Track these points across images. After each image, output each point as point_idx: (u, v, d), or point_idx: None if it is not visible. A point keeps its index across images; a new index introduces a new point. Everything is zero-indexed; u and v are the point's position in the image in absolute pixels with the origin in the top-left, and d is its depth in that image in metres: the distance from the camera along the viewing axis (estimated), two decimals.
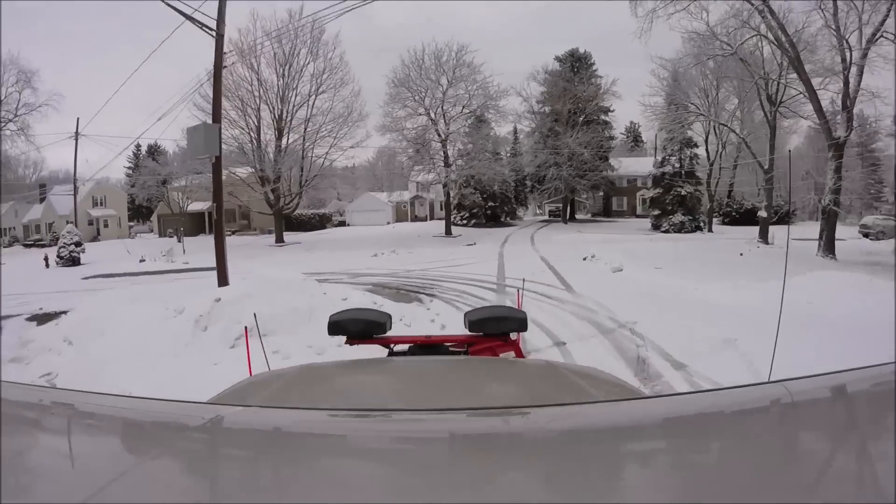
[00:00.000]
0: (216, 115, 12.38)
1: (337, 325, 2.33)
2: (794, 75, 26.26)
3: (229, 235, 45.66)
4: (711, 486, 0.71)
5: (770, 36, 25.36)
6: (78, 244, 31.75)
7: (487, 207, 50.32)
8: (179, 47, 15.65)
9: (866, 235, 33.38)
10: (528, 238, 37.79)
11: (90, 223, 54.24)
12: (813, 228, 36.21)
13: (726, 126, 38.86)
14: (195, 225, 50.49)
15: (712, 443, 0.93)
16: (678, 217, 42.30)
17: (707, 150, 43.94)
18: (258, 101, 39.48)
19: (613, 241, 30.20)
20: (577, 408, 1.22)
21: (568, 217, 53.56)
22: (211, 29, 12.56)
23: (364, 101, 41.82)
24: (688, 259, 21.10)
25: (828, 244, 23.35)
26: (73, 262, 31.05)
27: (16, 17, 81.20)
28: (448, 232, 42.90)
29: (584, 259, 21.97)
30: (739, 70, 31.49)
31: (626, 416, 1.10)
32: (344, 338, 2.41)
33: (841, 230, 25.59)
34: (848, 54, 23.03)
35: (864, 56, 22.18)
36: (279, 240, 40.71)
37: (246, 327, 4.08)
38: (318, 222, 56.04)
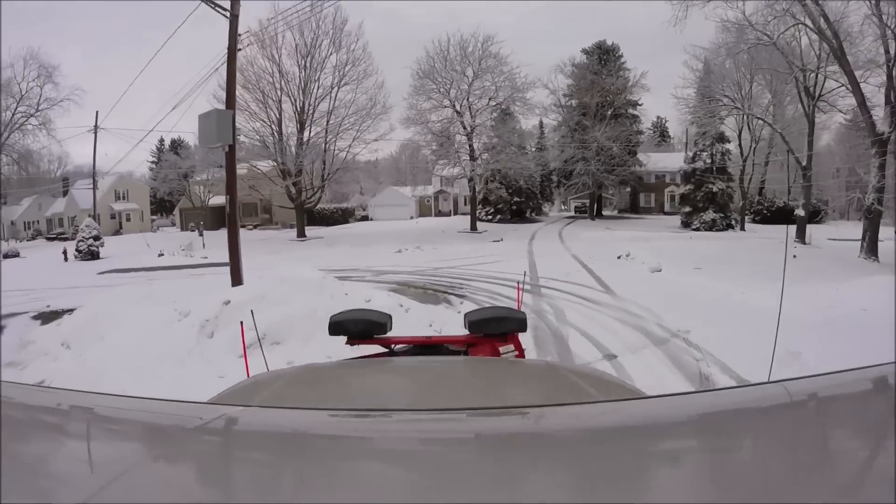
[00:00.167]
0: (230, 101, 11.46)
1: (338, 326, 2.33)
2: (834, 67, 25.26)
3: (250, 230, 46.29)
4: (711, 485, 0.72)
5: (811, 25, 23.95)
6: (97, 238, 31.42)
7: (513, 203, 49.22)
8: (199, 38, 14.90)
9: None
10: (555, 235, 36.90)
11: (112, 217, 54.47)
12: (846, 228, 35.13)
13: (763, 120, 37.25)
14: (217, 219, 49.87)
15: (712, 443, 0.92)
16: (709, 215, 40.99)
17: (740, 145, 42.39)
18: (279, 94, 38.74)
19: (645, 240, 29.17)
20: (577, 408, 1.21)
21: (594, 213, 52.42)
22: (224, 9, 11.73)
23: (388, 93, 40.75)
24: (726, 259, 19.92)
25: (871, 245, 22.08)
26: (92, 255, 30.78)
27: (38, 13, 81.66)
28: (473, 227, 42.02)
29: (619, 258, 20.96)
30: (776, 61, 29.93)
31: (626, 416, 1.09)
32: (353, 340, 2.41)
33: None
34: (892, 45, 21.62)
35: None
36: (301, 234, 40.03)
37: (242, 323, 3.40)
38: (341, 217, 55.47)
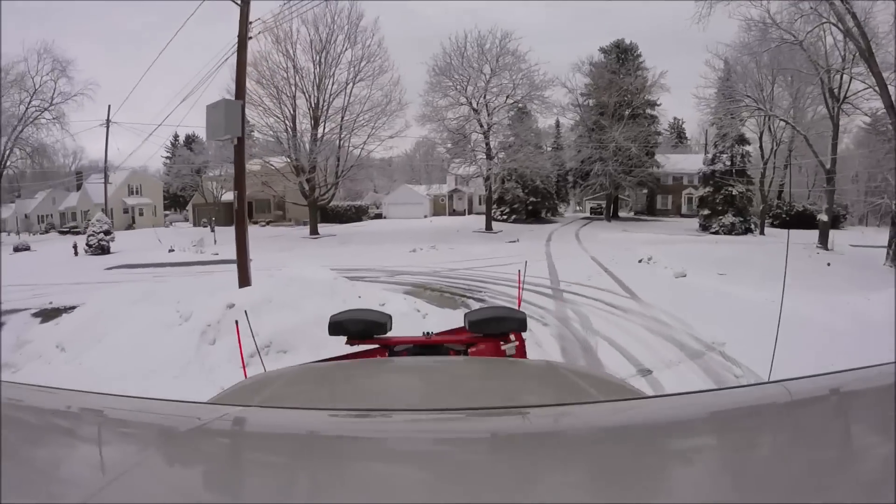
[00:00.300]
0: (239, 91, 10.85)
1: (337, 326, 2.31)
2: (859, 69, 24.57)
3: (263, 226, 45.93)
4: (711, 486, 0.72)
5: (838, 24, 23.11)
6: (107, 232, 31.26)
7: (529, 203, 48.56)
8: (212, 31, 14.49)
9: None
10: (572, 236, 36.31)
11: (125, 211, 54.39)
12: (866, 234, 34.31)
13: (786, 122, 36.27)
14: (229, 215, 49.37)
15: (712, 443, 0.93)
16: (728, 218, 40.24)
17: (761, 147, 41.41)
18: (294, 89, 38.24)
19: (663, 243, 28.43)
20: (577, 408, 1.22)
21: (610, 215, 51.75)
22: None
23: (403, 89, 40.06)
24: (750, 264, 19.09)
25: None
26: (102, 250, 30.62)
27: (53, 7, 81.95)
28: (489, 227, 41.42)
29: (640, 262, 20.42)
30: (797, 62, 29.06)
31: (627, 416, 1.10)
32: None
33: None
34: None
35: None
36: (313, 232, 39.52)
37: (237, 322, 3.19)
38: (354, 214, 54.99)
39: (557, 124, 54.26)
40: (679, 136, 71.62)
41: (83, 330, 8.95)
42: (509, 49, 41.45)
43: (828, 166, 31.31)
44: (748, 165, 41.76)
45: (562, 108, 48.36)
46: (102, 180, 43.89)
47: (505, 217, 47.53)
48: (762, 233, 40.28)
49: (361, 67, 38.84)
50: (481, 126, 42.09)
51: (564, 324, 10.54)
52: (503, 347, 2.42)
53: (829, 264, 19.52)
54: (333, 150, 39.59)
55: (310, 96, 38.78)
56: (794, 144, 39.53)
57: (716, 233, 39.28)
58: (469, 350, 2.35)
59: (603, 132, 47.51)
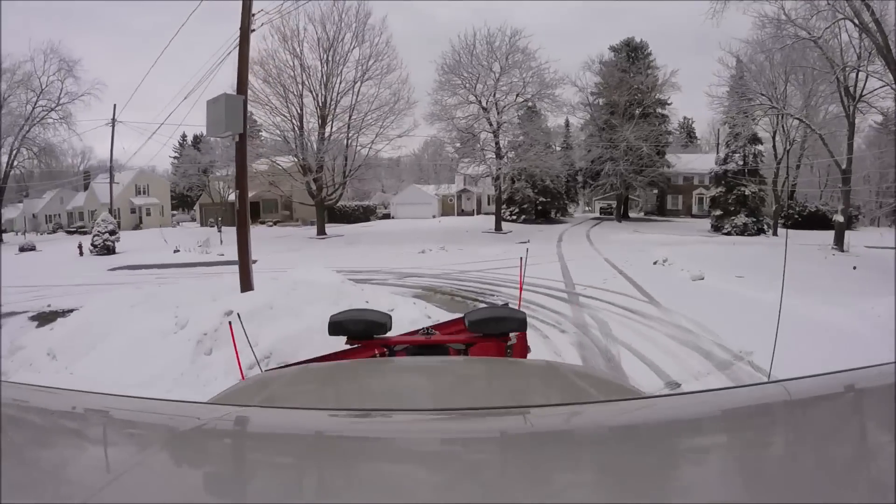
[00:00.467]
0: (241, 86, 10.36)
1: (337, 326, 2.29)
2: (874, 66, 24.18)
3: (270, 226, 45.62)
4: (711, 486, 0.72)
5: (855, 20, 22.56)
6: (112, 232, 31.05)
7: (538, 203, 48.07)
8: (218, 29, 14.07)
9: None
10: (583, 237, 35.88)
11: (133, 211, 54.36)
12: (875, 234, 33.69)
13: (802, 121, 35.57)
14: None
15: (712, 443, 0.93)
16: (741, 218, 39.77)
17: (774, 146, 40.75)
18: (301, 88, 37.83)
19: (677, 244, 27.94)
20: (577, 408, 1.22)
21: (621, 215, 51.28)
22: None
23: (412, 88, 39.54)
24: (766, 267, 18.48)
25: None
26: (108, 250, 30.42)
27: (64, 7, 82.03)
28: (498, 228, 40.99)
29: (655, 263, 19.98)
30: (810, 59, 28.49)
31: (626, 416, 1.11)
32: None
33: None
34: None
35: None
36: (321, 232, 39.16)
37: (230, 323, 2.93)
38: (362, 214, 54.82)
39: (567, 123, 54.02)
40: (689, 136, 71.12)
41: (76, 336, 8.57)
42: (519, 47, 41.00)
43: (843, 166, 30.68)
44: (761, 165, 41.17)
45: (572, 107, 48.00)
46: (106, 180, 43.74)
47: (514, 217, 47.11)
48: (775, 233, 39.69)
49: (369, 66, 38.41)
50: (490, 125, 41.57)
51: (584, 331, 10.01)
52: (506, 344, 2.42)
53: (854, 268, 18.87)
54: (341, 149, 39.14)
55: (317, 95, 38.37)
56: (808, 144, 39.01)
57: (728, 233, 38.86)
58: (469, 350, 2.31)
59: (613, 131, 47.10)
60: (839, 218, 29.75)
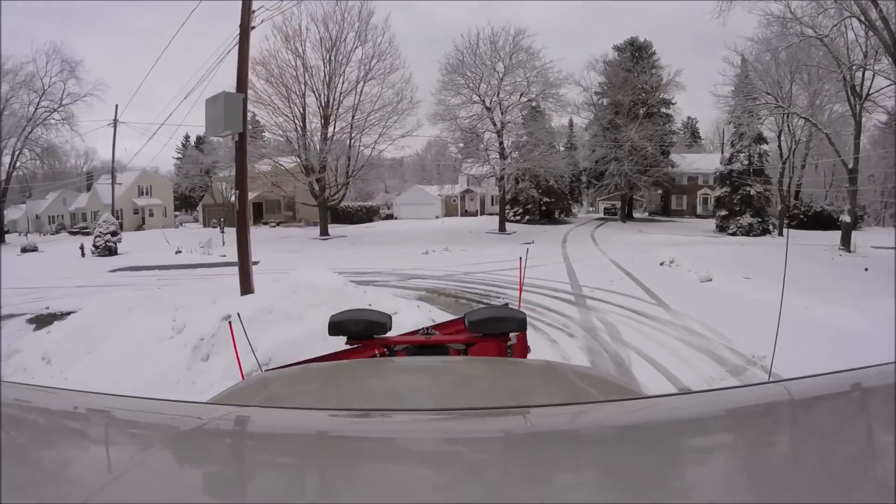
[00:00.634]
0: (241, 84, 10.13)
1: (337, 326, 2.29)
2: (881, 65, 24.03)
3: (273, 227, 45.46)
4: (711, 486, 0.72)
5: (861, 17, 22.34)
6: (114, 234, 30.86)
7: (542, 203, 47.81)
8: (219, 29, 13.89)
9: None
10: (588, 237, 35.75)
11: (135, 212, 54.30)
12: (881, 234, 33.42)
13: (809, 120, 35.28)
14: None
15: (712, 443, 0.93)
16: (746, 219, 39.75)
17: (780, 146, 40.50)
18: (303, 88, 37.58)
19: (682, 244, 27.82)
20: (577, 408, 1.22)
21: (625, 215, 51.16)
22: None
23: (415, 88, 39.21)
24: (775, 268, 18.27)
25: None
26: (109, 251, 30.28)
27: (66, 7, 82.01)
28: (502, 228, 40.77)
29: (662, 264, 19.83)
30: (816, 58, 28.28)
31: (626, 416, 1.10)
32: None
33: None
34: None
35: None
36: (323, 233, 38.97)
37: (230, 323, 2.89)
38: (365, 215, 54.59)
39: (571, 123, 53.92)
40: (693, 136, 70.95)
41: (72, 340, 8.36)
42: (523, 46, 40.76)
43: (850, 165, 30.42)
44: (766, 165, 41.02)
45: (576, 107, 47.92)
46: (109, 181, 43.67)
47: (518, 218, 47.01)
48: (781, 234, 39.47)
49: (372, 65, 38.12)
50: (494, 125, 41.31)
51: (592, 335, 9.76)
52: (507, 344, 2.41)
53: (867, 269, 18.59)
54: (344, 149, 38.88)
55: (320, 95, 38.11)
56: (813, 143, 38.78)
57: (733, 234, 38.78)
58: (469, 350, 2.31)
59: (618, 131, 47.04)
60: (846, 218, 29.52)
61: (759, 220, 39.97)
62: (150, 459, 0.83)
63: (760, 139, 40.83)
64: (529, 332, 8.45)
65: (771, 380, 1.24)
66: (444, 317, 9.93)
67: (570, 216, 51.86)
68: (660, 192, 55.28)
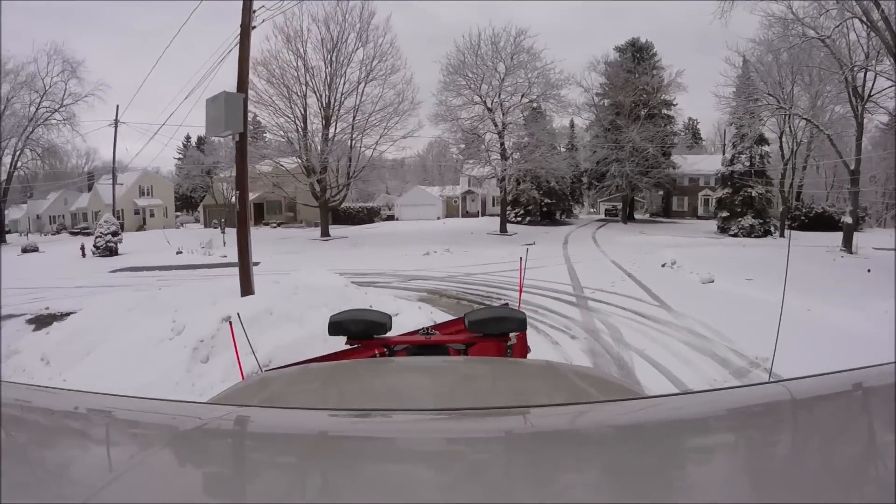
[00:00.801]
0: (242, 84, 10.09)
1: (338, 326, 2.29)
2: (882, 66, 23.98)
3: (274, 227, 45.43)
4: (712, 486, 0.72)
5: (863, 18, 22.29)
6: (115, 234, 30.80)
7: (543, 204, 47.71)
8: (221, 29, 13.87)
9: None
10: (589, 238, 35.68)
11: (136, 213, 54.18)
12: (885, 236, 33.36)
13: (810, 121, 35.20)
14: None
15: (712, 443, 0.92)
16: (748, 220, 39.65)
17: (781, 147, 40.38)
18: (304, 89, 37.58)
19: (684, 245, 27.76)
20: (577, 408, 1.22)
21: (626, 217, 51.10)
22: None
23: (416, 88, 39.15)
24: (775, 269, 18.21)
25: None
26: (110, 252, 30.24)
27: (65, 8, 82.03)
28: (503, 229, 40.65)
29: (664, 266, 19.74)
30: (817, 59, 28.22)
31: (626, 416, 1.10)
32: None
33: None
34: None
35: None
36: (324, 233, 39.00)
37: (230, 323, 2.88)
38: (367, 216, 54.58)
39: (572, 124, 53.82)
40: (694, 137, 70.90)
41: (71, 342, 8.31)
42: (524, 47, 40.61)
43: (851, 167, 30.35)
44: (767, 166, 40.84)
45: (577, 108, 47.48)
46: (110, 181, 43.68)
47: (519, 219, 46.95)
48: (782, 235, 39.32)
49: (373, 66, 38.12)
50: (495, 126, 41.20)
51: (595, 337, 9.69)
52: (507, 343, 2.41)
53: (869, 270, 18.51)
54: (345, 150, 38.87)
55: (321, 96, 38.14)
56: (814, 144, 38.71)
57: (735, 235, 38.65)
58: (469, 350, 2.31)
59: (619, 132, 46.93)
60: (847, 219, 29.42)
61: (761, 221, 39.84)
62: (150, 459, 0.83)
63: (762, 140, 40.67)
64: (531, 334, 8.35)
65: (772, 380, 1.24)
66: (445, 318, 9.89)
67: (572, 217, 51.70)
68: (661, 193, 55.15)
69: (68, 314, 10.65)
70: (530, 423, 1.07)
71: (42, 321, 12.01)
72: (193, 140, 66.67)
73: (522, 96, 41.35)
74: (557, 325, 10.65)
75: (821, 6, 24.73)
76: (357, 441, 0.95)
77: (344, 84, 38.25)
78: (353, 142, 39.05)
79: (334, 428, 1.06)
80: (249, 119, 11.34)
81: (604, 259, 23.38)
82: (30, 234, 52.44)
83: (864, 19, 22.54)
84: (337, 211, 45.58)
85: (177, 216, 61.27)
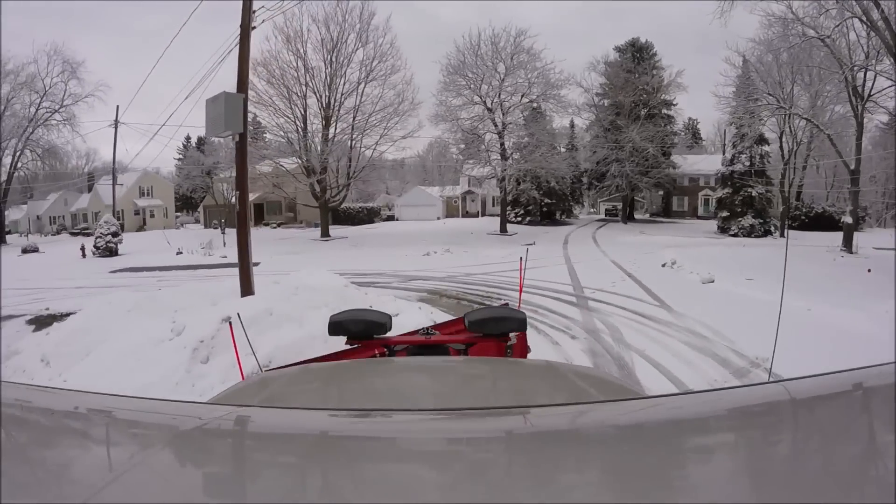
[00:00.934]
0: (242, 84, 10.09)
1: (337, 326, 2.28)
2: (882, 66, 24.00)
3: (274, 228, 45.42)
4: (712, 486, 0.72)
5: (863, 17, 22.28)
6: (115, 234, 30.74)
7: (543, 204, 47.69)
8: (221, 30, 13.87)
9: None
10: (589, 238, 35.66)
11: (136, 213, 54.17)
12: (886, 236, 33.36)
13: (811, 121, 35.17)
14: None
15: (712, 443, 0.92)
16: (748, 220, 39.63)
17: (781, 147, 40.35)
18: (304, 89, 37.57)
19: (684, 245, 27.67)
20: (577, 408, 1.22)
21: (626, 217, 51.09)
22: None
23: (416, 89, 39.16)
24: (776, 269, 18.20)
25: None
26: (110, 252, 30.20)
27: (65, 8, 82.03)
28: (503, 229, 40.63)
29: (664, 266, 19.72)
30: (818, 59, 28.20)
31: (626, 416, 1.10)
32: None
33: None
34: None
35: None
36: (324, 234, 38.99)
37: (230, 323, 2.96)
38: (367, 216, 54.52)
39: (572, 124, 53.79)
40: (694, 137, 70.86)
41: (71, 342, 8.31)
42: (524, 47, 40.58)
43: (851, 166, 30.33)
44: (767, 166, 40.83)
45: (577, 108, 47.45)
46: (110, 182, 43.68)
47: (519, 219, 46.96)
48: (782, 235, 39.28)
49: (373, 67, 38.10)
50: (495, 126, 41.18)
51: (595, 338, 9.70)
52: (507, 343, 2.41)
53: (869, 270, 18.49)
54: (345, 150, 38.85)
55: (321, 96, 38.13)
56: (814, 144, 38.71)
57: (735, 235, 38.61)
58: (469, 350, 2.30)
59: (619, 132, 46.93)
60: (847, 219, 29.39)
61: (761, 221, 39.82)
62: (150, 459, 0.83)
63: (762, 140, 40.65)
64: (531, 334, 8.33)
65: (772, 380, 1.24)
66: (445, 318, 9.89)
67: (572, 217, 51.69)
68: (661, 193, 55.18)
69: (68, 315, 10.63)
70: (530, 423, 1.06)
71: (42, 322, 12.01)
72: (193, 140, 66.61)
73: (522, 96, 41.33)
74: (558, 325, 10.65)
75: (821, 6, 24.74)
76: (357, 441, 0.95)
77: (344, 84, 38.28)
78: (353, 142, 39.05)
79: (334, 428, 1.06)
80: (249, 119, 11.33)
81: (604, 259, 23.39)
82: (30, 234, 52.42)
83: (864, 19, 22.52)
84: (337, 211, 45.54)
85: (177, 217, 61.24)
